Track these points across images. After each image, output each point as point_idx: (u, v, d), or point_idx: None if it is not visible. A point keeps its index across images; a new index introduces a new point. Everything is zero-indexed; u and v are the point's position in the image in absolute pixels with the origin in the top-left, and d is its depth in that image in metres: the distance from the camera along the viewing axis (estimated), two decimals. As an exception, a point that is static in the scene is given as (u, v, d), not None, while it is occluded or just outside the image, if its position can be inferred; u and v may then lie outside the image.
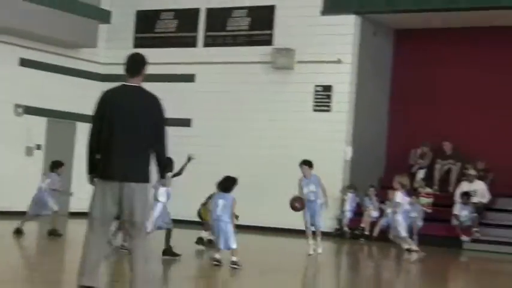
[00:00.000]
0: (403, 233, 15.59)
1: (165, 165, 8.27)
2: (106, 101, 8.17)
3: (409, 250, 15.78)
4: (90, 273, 7.96)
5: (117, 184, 7.94)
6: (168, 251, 12.71)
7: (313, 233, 14.72)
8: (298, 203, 14.31)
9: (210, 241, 14.39)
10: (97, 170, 8.11)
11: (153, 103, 8.15)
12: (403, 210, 15.57)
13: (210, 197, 13.86)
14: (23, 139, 21.00)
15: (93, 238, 8.03)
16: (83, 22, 21.73)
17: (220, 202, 11.97)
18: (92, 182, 8.15)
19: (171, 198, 12.62)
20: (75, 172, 22.24)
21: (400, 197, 15.49)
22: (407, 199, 15.99)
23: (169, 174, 11.99)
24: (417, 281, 12.97)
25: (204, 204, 14.99)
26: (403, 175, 16.04)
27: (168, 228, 12.72)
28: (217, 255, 11.92)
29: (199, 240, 14.99)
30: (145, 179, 8.04)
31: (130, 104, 8.08)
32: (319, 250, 14.66)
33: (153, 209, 11.95)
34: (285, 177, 17.02)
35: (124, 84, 8.21)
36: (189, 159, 13.36)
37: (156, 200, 12.23)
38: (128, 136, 7.99)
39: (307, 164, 14.95)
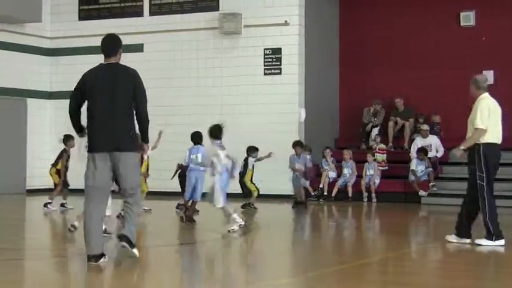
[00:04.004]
0: None
1: (147, 130, 9.01)
2: (86, 79, 8.95)
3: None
4: (95, 242, 8.80)
5: (107, 154, 8.76)
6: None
7: None
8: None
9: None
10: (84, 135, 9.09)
11: (130, 75, 8.93)
12: None
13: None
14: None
15: (91, 207, 8.83)
16: (27, -4, 21.31)
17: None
18: (83, 135, 9.19)
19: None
20: (29, 148, 22.02)
21: None
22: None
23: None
24: (381, 237, 13.09)
25: None
26: None
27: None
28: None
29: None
30: (131, 147, 8.87)
31: (109, 78, 8.84)
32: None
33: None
34: (237, 145, 16.95)
35: (102, 64, 9.04)
36: (160, 134, 14.83)
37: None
38: (110, 108, 8.76)
39: (299, 144, 17.58)
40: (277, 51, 20.65)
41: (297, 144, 17.53)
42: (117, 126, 8.80)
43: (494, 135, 10.66)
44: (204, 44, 21.27)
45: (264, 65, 20.76)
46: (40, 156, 21.78)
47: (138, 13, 22.30)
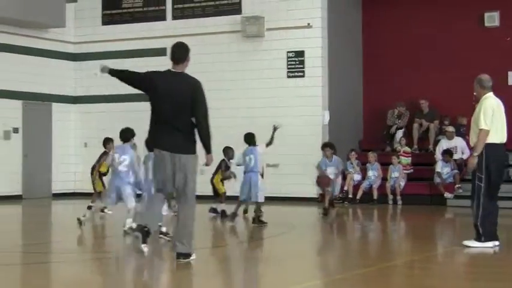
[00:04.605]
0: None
1: (208, 139, 9.27)
2: (154, 78, 9.31)
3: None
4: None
5: (168, 154, 9.13)
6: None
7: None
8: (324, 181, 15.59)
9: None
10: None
11: (191, 85, 9.25)
12: None
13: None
14: (-1, 123, 20.86)
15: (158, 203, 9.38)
16: (50, 2, 21.48)
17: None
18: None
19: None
20: (54, 153, 22.17)
21: None
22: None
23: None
24: (406, 240, 13.02)
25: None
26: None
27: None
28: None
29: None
30: (192, 150, 9.21)
31: (175, 86, 9.19)
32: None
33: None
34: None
35: (170, 70, 9.40)
36: (275, 128, 14.62)
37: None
38: (173, 115, 9.11)
39: (328, 146, 16.21)
40: (300, 53, 20.63)
41: (326, 146, 16.43)
42: (177, 130, 9.13)
43: (497, 135, 10.53)
44: (227, 48, 21.29)
45: (287, 68, 20.75)
46: (65, 160, 21.92)
47: (161, 17, 22.38)
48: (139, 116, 22.30)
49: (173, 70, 9.39)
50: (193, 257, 9.28)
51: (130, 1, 22.81)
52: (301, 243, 12.08)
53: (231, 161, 15.65)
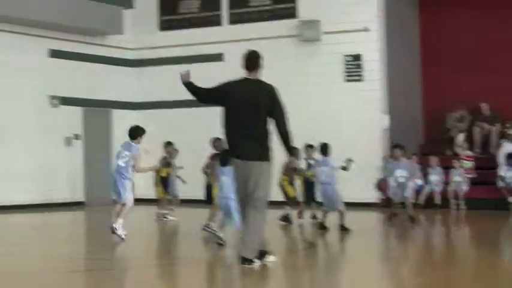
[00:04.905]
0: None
1: (289, 142, 9.38)
2: (228, 89, 9.48)
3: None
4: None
5: (245, 162, 9.28)
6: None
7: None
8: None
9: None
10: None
11: (268, 90, 9.41)
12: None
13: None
14: (61, 130, 21.09)
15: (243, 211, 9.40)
16: (108, 9, 21.74)
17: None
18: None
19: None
20: (114, 159, 22.34)
21: None
22: None
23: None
24: (470, 245, 12.83)
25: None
26: None
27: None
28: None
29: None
30: (266, 157, 9.31)
31: (250, 92, 9.36)
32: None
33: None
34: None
35: (245, 78, 9.55)
36: (350, 161, 14.20)
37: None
38: (249, 120, 9.26)
39: (398, 147, 15.66)
40: (357, 57, 20.50)
41: (396, 147, 15.81)
42: (253, 137, 9.29)
43: None
44: (284, 52, 21.23)
45: (345, 72, 20.62)
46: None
47: (218, 22, 22.44)
48: (199, 121, 22.62)
49: (248, 78, 9.54)
50: (271, 258, 9.38)
51: (187, 7, 22.93)
52: (364, 249, 11.96)
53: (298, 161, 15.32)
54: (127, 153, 12.73)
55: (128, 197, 12.55)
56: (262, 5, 21.83)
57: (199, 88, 9.72)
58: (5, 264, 10.44)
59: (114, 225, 12.38)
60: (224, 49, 22.15)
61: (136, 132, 13.02)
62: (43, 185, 20.32)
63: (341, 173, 16.98)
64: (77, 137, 21.60)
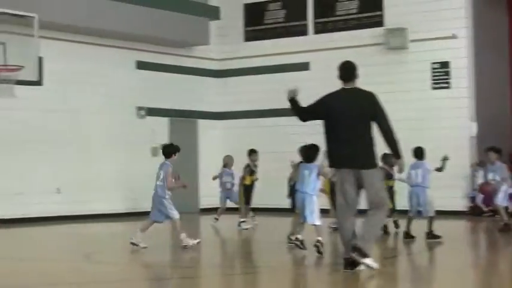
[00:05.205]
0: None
1: (396, 145, 9.50)
2: (327, 102, 9.59)
3: None
4: (348, 248, 9.41)
5: (351, 171, 9.35)
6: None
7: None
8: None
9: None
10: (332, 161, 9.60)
11: (368, 97, 9.55)
12: None
13: None
14: (147, 140, 21.41)
15: (343, 221, 9.48)
16: (194, 20, 22.00)
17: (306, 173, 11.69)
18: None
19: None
20: (201, 168, 22.59)
21: None
22: None
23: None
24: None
25: None
26: None
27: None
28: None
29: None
30: (373, 164, 9.48)
31: (351, 102, 9.46)
32: None
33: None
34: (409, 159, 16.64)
35: (343, 88, 9.66)
36: (445, 158, 14.05)
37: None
38: (353, 129, 9.36)
39: (493, 149, 15.41)
40: (445, 64, 20.25)
41: (491, 149, 15.54)
42: (358, 146, 9.41)
43: None
44: (370, 60, 21.07)
45: (432, 80, 20.38)
46: (211, 175, 22.25)
47: (303, 32, 22.46)
48: (283, 130, 22.69)
49: (346, 88, 9.64)
50: (370, 262, 9.32)
51: (273, 17, 23.02)
52: (452, 258, 11.74)
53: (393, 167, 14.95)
54: (162, 172, 12.83)
55: (173, 213, 12.68)
56: (348, 13, 21.75)
57: (301, 107, 9.81)
58: (93, 271, 10.63)
59: (133, 241, 12.55)
60: (310, 58, 22.16)
61: (169, 150, 13.08)
62: (128, 194, 20.65)
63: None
64: (163, 147, 21.88)
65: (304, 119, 9.91)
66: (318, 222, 11.42)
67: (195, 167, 22.66)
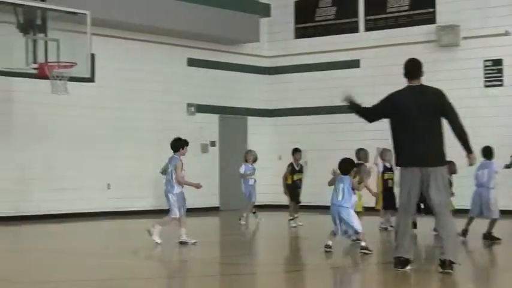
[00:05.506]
0: None
1: (468, 140, 9.42)
2: (394, 100, 9.55)
3: None
4: (405, 248, 9.37)
5: (419, 169, 9.23)
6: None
7: None
8: None
9: None
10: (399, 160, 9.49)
11: (436, 94, 9.53)
12: None
13: None
14: (197, 137, 21.52)
15: (405, 219, 9.41)
16: (245, 18, 22.06)
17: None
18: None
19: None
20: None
21: None
22: None
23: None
24: None
25: None
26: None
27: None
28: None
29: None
30: (442, 163, 9.37)
31: (418, 99, 9.39)
32: None
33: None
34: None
35: (409, 86, 9.60)
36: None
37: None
38: (422, 127, 9.26)
39: None
40: (498, 62, 20.03)
41: None
42: (428, 143, 9.28)
43: None
44: (421, 58, 20.43)
45: (484, 77, 20.17)
46: (260, 173, 22.26)
47: (354, 29, 22.37)
48: (332, 128, 22.64)
49: (413, 85, 9.57)
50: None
51: (323, 14, 22.96)
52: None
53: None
54: (170, 166, 12.84)
55: (173, 211, 12.67)
56: (400, 10, 21.61)
57: (365, 109, 9.82)
58: (141, 267, 10.72)
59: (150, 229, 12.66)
60: (360, 55, 22.06)
61: (177, 144, 12.93)
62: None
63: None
64: (213, 144, 22.00)
65: (370, 120, 9.90)
66: (359, 229, 11.40)
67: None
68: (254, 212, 17.51)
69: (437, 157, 9.33)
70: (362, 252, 11.25)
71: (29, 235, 15.87)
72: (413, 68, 9.67)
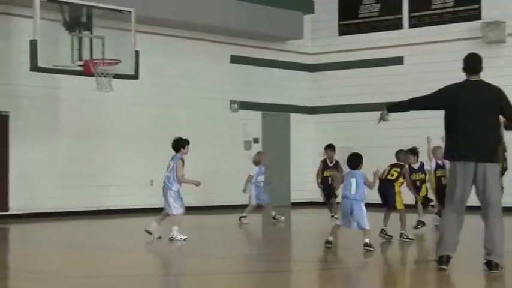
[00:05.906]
0: None
1: None
2: (448, 92, 9.43)
3: None
4: (449, 245, 9.26)
5: (472, 165, 9.14)
6: None
7: None
8: None
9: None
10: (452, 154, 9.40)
11: (495, 91, 9.38)
12: None
13: None
14: (240, 134, 21.58)
15: (452, 216, 9.28)
16: (288, 14, 22.04)
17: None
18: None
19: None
20: (292, 162, 22.64)
21: None
22: None
23: None
24: None
25: None
26: None
27: None
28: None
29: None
30: (495, 159, 9.31)
31: (476, 94, 9.29)
32: None
33: None
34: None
35: (468, 80, 9.45)
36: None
37: None
38: (477, 122, 9.18)
39: None
40: (544, 58, 19.79)
41: None
42: (483, 139, 9.21)
43: None
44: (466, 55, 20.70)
45: (531, 74, 19.95)
46: (302, 170, 22.30)
47: (398, 26, 22.24)
48: (375, 125, 22.37)
49: (472, 79, 9.45)
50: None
51: (367, 11, 22.86)
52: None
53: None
54: (172, 163, 12.98)
55: (175, 207, 12.85)
56: (444, 7, 21.44)
57: (406, 100, 9.75)
58: (184, 264, 10.78)
59: (149, 229, 12.98)
60: (404, 52, 21.93)
61: (178, 145, 13.08)
62: (219, 188, 20.75)
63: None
64: (256, 140, 22.04)
65: (414, 106, 9.80)
66: (367, 226, 11.37)
67: (287, 160, 22.73)
68: (274, 215, 17.24)
69: (492, 153, 9.28)
70: (365, 249, 11.25)
71: (75, 230, 16.04)
72: (473, 62, 9.48)
